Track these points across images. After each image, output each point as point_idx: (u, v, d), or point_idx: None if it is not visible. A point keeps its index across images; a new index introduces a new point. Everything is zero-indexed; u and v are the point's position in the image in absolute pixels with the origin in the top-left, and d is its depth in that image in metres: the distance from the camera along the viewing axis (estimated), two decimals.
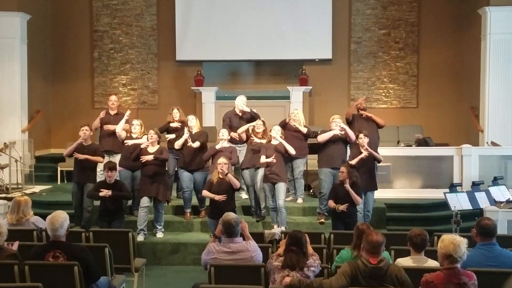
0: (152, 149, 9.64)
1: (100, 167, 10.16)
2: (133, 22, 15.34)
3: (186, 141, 10.05)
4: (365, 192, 9.37)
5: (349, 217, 8.65)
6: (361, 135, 9.47)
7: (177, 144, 10.18)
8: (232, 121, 10.80)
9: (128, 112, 10.55)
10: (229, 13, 14.80)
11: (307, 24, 14.66)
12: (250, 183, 10.05)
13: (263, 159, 9.49)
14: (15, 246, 6.29)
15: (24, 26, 13.43)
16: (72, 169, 10.14)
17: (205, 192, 9.12)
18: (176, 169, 10.66)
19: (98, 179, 10.03)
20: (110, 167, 9.24)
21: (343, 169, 8.74)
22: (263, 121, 10.15)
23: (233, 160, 9.78)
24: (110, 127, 10.62)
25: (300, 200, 10.61)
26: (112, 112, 11.04)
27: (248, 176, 10.04)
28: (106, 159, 10.31)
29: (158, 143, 9.84)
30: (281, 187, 9.48)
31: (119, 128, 10.30)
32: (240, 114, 10.81)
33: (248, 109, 10.78)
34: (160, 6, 15.30)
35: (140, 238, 9.48)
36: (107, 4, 15.33)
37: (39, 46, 14.55)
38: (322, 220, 9.95)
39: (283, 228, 9.07)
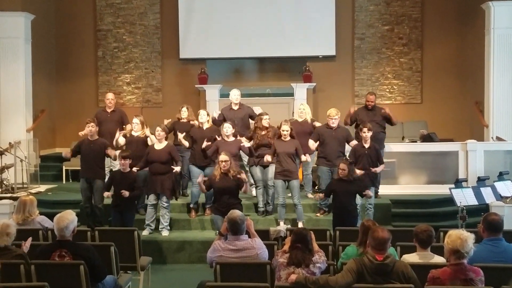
0: (159, 146, 9.66)
1: (107, 163, 10.19)
2: (137, 20, 15.35)
3: (195, 138, 10.06)
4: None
5: (347, 214, 8.64)
6: (365, 129, 9.47)
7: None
8: (226, 117, 10.75)
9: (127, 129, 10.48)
10: (232, 10, 14.79)
11: (310, 21, 14.64)
12: (261, 177, 10.07)
13: (267, 158, 9.59)
14: (28, 242, 6.30)
15: (28, 26, 13.44)
16: (78, 168, 10.16)
17: (201, 188, 9.14)
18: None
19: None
20: (124, 156, 9.28)
21: (343, 166, 8.65)
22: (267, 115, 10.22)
23: (245, 150, 9.86)
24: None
25: (310, 195, 10.69)
26: (109, 110, 11.07)
27: (258, 171, 10.06)
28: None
29: (166, 139, 9.86)
30: (295, 184, 9.57)
31: (114, 141, 10.28)
32: (235, 108, 10.80)
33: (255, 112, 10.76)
34: (163, 5, 15.30)
35: (145, 232, 9.55)
36: (111, 3, 15.34)
37: (43, 45, 14.57)
38: (318, 214, 10.16)
39: (300, 224, 9.35)
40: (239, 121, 10.65)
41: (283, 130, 9.60)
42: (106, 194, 9.40)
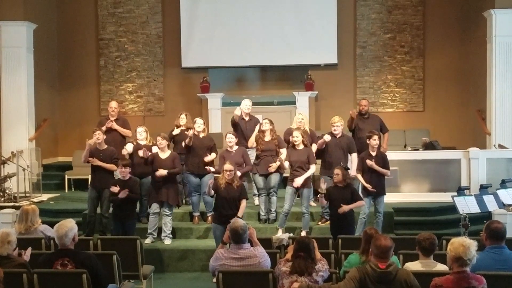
0: (164, 155, 9.68)
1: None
2: (139, 29, 15.38)
3: (191, 142, 10.05)
4: (375, 197, 9.41)
5: (343, 221, 8.60)
6: (375, 137, 9.44)
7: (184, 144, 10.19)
8: (238, 124, 10.75)
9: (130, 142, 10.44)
10: (234, 19, 14.83)
11: (312, 29, 14.68)
12: (263, 186, 10.07)
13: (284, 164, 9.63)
14: (28, 252, 6.30)
15: (30, 35, 13.49)
16: (80, 177, 10.16)
17: (207, 192, 9.05)
18: (182, 175, 10.66)
19: None
20: (124, 164, 9.30)
21: (337, 171, 8.68)
22: (269, 120, 10.16)
23: (247, 163, 9.86)
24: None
25: (312, 203, 10.70)
26: (112, 118, 11.06)
27: (261, 180, 10.06)
28: None
29: (168, 147, 9.87)
30: (305, 193, 9.58)
31: (125, 151, 10.24)
32: (246, 119, 10.78)
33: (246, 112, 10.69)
34: (165, 14, 15.34)
35: (148, 241, 9.55)
36: (113, 12, 15.39)
37: (46, 55, 14.61)
38: (319, 223, 10.15)
39: (303, 233, 9.37)
40: (249, 133, 10.61)
41: (293, 137, 9.60)
42: (113, 188, 9.20)
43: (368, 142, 9.53)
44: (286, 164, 9.74)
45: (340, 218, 8.60)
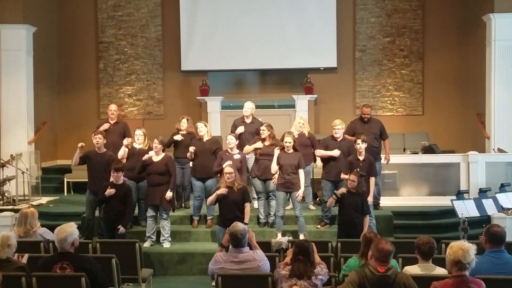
0: (157, 158, 9.64)
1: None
2: (138, 33, 15.39)
3: (196, 151, 10.07)
4: None
5: (353, 227, 8.55)
6: (359, 141, 9.49)
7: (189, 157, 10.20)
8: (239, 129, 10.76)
9: (127, 141, 10.41)
10: (233, 22, 14.83)
11: (311, 33, 14.68)
12: (262, 189, 10.06)
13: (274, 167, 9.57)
14: (24, 258, 6.29)
15: (30, 39, 13.48)
16: (79, 180, 10.12)
17: (209, 200, 9.06)
18: (182, 178, 10.67)
19: None
20: (117, 168, 9.21)
21: (353, 177, 8.65)
22: (268, 125, 10.14)
23: (243, 172, 9.77)
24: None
25: (312, 207, 10.69)
26: (112, 121, 11.06)
27: (260, 183, 10.05)
28: None
29: (163, 151, 9.84)
30: (295, 196, 9.53)
31: (120, 156, 10.21)
32: (248, 121, 10.78)
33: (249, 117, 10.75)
34: (165, 17, 15.35)
35: (147, 244, 9.54)
36: (112, 15, 15.40)
37: (45, 58, 14.60)
38: (318, 226, 10.15)
39: (301, 236, 9.31)
40: (250, 136, 10.60)
41: (286, 142, 9.59)
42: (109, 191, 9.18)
43: (354, 146, 9.58)
44: (275, 166, 9.69)
45: (350, 224, 8.59)
